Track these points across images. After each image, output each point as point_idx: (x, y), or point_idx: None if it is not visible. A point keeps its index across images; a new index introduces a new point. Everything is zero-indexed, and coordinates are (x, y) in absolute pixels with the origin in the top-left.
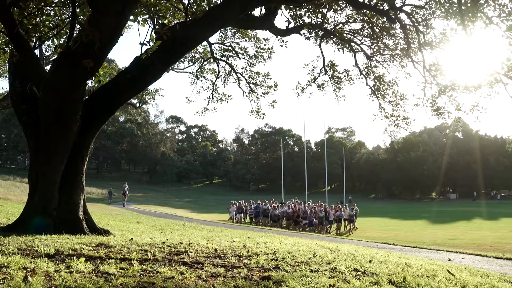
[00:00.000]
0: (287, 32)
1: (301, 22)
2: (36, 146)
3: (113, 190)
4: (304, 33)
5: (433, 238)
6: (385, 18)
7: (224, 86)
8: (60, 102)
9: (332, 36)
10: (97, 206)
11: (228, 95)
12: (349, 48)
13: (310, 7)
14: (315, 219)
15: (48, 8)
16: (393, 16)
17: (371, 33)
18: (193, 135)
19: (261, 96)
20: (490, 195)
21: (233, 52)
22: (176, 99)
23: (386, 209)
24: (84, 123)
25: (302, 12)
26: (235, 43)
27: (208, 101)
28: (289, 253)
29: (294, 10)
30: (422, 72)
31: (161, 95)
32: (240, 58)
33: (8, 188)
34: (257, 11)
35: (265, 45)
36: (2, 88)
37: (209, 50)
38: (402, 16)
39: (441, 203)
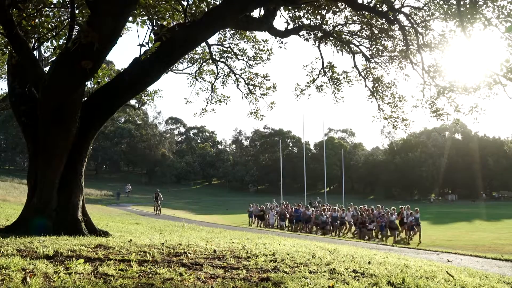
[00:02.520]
0: (286, 33)
1: (300, 23)
2: (35, 147)
3: (120, 191)
4: (303, 35)
5: (432, 239)
6: (384, 19)
7: (223, 87)
8: (59, 103)
9: (331, 38)
10: (96, 207)
11: (227, 96)
12: (348, 50)
13: (309, 8)
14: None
15: (47, 9)
16: (392, 18)
17: (370, 34)
18: (192, 136)
19: (260, 97)
20: (494, 197)
21: (232, 53)
22: (175, 100)
23: None
24: (83, 124)
25: (301, 13)
26: (234, 44)
27: (207, 102)
28: (288, 254)
29: (293, 11)
30: (421, 73)
31: (160, 96)
32: (239, 60)
33: (7, 189)
34: (256, 13)
35: (264, 46)
36: (1, 89)
37: (208, 51)
38: (401, 17)
39: (440, 204)
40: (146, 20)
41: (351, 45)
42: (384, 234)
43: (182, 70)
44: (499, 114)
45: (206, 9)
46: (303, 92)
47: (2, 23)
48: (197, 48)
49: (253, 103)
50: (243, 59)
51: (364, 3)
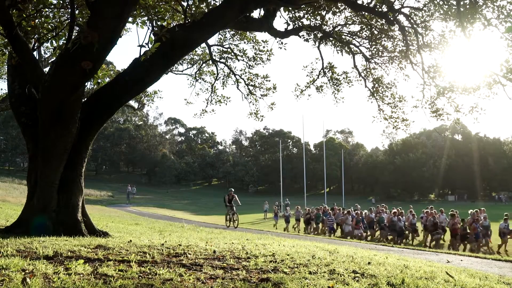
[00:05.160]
0: (286, 34)
1: (300, 24)
2: (35, 147)
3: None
4: (303, 35)
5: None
6: (383, 20)
7: (223, 88)
8: (59, 103)
9: (331, 38)
10: (95, 208)
11: (227, 97)
12: (348, 50)
13: (309, 9)
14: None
15: (47, 10)
16: (391, 18)
17: (370, 35)
18: (192, 137)
19: (260, 98)
20: (501, 199)
21: (232, 54)
22: (175, 101)
23: None
24: (83, 125)
25: (301, 14)
26: (234, 45)
27: (207, 103)
28: (288, 255)
29: (292, 12)
30: (421, 74)
31: (160, 97)
32: (239, 60)
33: (7, 190)
34: (256, 13)
35: (264, 47)
36: (1, 89)
37: (208, 52)
38: (401, 18)
39: (439, 205)
40: (146, 21)
41: (351, 46)
42: (480, 243)
43: (182, 71)
44: (499, 114)
45: (206, 10)
46: (303, 93)
47: (2, 24)
48: (197, 49)
49: (253, 104)
50: (243, 60)
51: (364, 4)
